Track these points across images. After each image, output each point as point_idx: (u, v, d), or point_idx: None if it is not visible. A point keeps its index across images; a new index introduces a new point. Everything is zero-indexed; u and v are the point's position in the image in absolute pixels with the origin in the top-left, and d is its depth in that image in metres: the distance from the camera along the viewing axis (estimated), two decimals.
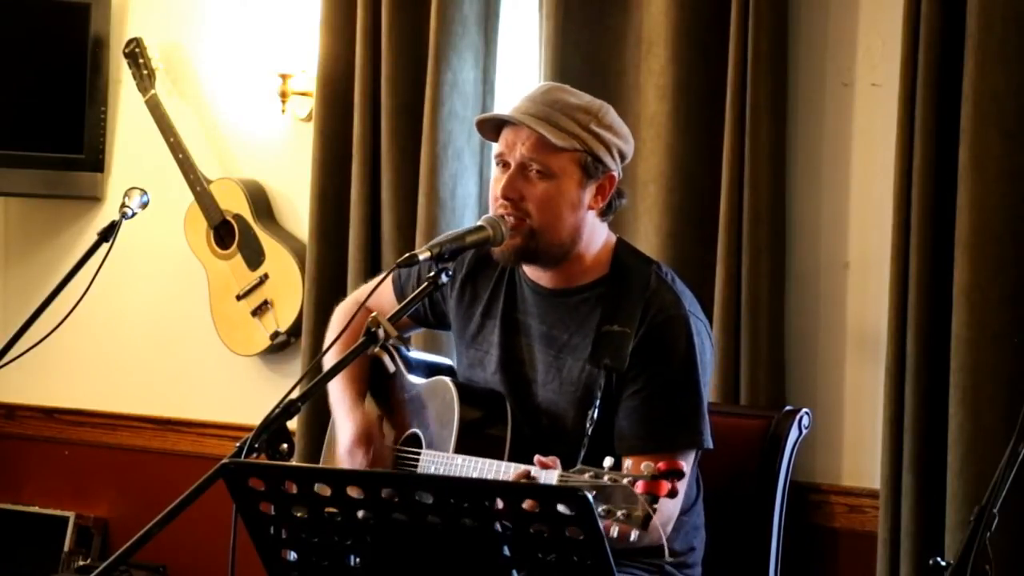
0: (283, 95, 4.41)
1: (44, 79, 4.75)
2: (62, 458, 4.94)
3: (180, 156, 4.50)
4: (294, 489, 2.37)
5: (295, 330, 4.38)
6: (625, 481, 2.31)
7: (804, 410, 3.21)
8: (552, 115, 2.84)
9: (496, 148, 2.91)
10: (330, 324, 3.27)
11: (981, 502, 2.24)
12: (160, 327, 4.78)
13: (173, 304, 4.74)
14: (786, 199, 3.67)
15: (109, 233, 3.35)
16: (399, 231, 4.12)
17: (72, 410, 4.92)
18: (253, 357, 4.53)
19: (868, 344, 3.62)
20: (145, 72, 4.58)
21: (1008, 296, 3.29)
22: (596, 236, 2.93)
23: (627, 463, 2.74)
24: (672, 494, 2.31)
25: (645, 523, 2.28)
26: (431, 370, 3.12)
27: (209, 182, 4.50)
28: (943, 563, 2.29)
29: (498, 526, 2.25)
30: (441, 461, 2.88)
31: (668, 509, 2.72)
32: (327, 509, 2.36)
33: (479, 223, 2.83)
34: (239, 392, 4.57)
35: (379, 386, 3.15)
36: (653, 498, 2.28)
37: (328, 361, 2.87)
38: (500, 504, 2.24)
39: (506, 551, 2.26)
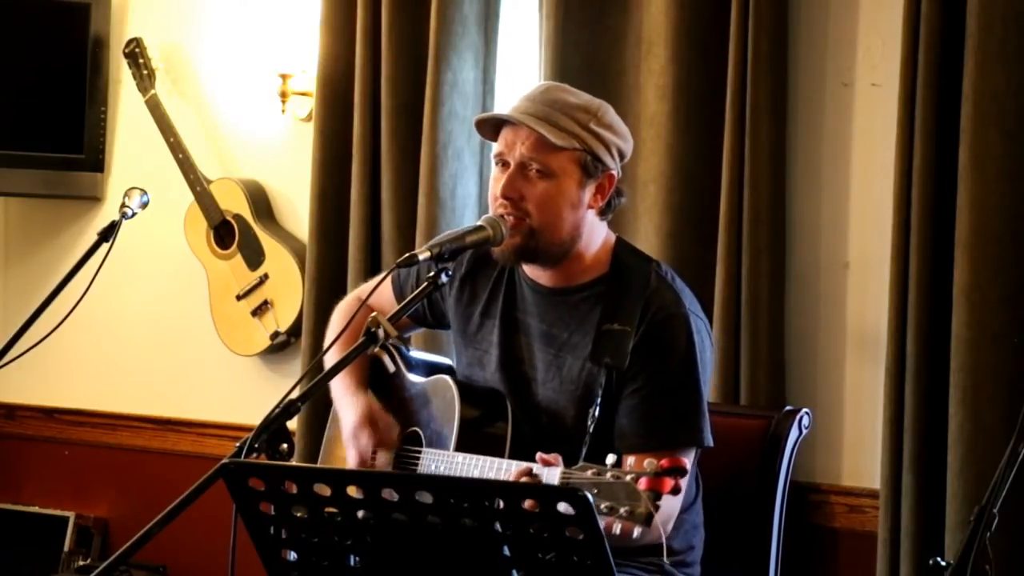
0: (283, 95, 4.41)
1: (44, 79, 4.74)
2: (62, 458, 4.94)
3: (180, 156, 4.50)
4: (294, 489, 2.37)
5: (295, 330, 4.38)
6: (628, 478, 2.31)
7: (804, 410, 3.21)
8: (551, 114, 2.83)
9: (495, 148, 2.91)
10: (330, 323, 3.27)
11: (981, 502, 2.24)
12: (160, 327, 4.78)
13: (173, 304, 4.74)
14: (786, 199, 3.67)
15: (109, 233, 3.35)
16: (399, 231, 4.12)
17: (72, 410, 4.92)
18: (253, 357, 4.53)
19: (868, 344, 3.62)
20: (145, 72, 4.58)
21: (1008, 296, 3.29)
22: (596, 235, 2.93)
23: (628, 461, 2.73)
24: (675, 491, 2.31)
25: (648, 520, 2.28)
26: (431, 369, 3.12)
27: (209, 182, 4.50)
28: (943, 563, 2.29)
29: (498, 526, 2.25)
30: (442, 459, 2.88)
31: (669, 507, 2.72)
32: (327, 509, 2.36)
33: (479, 223, 2.83)
34: (239, 392, 4.57)
35: (379, 386, 3.15)
36: (656, 495, 2.28)
37: (328, 360, 2.87)
38: (500, 504, 2.24)
39: (506, 551, 2.26)
